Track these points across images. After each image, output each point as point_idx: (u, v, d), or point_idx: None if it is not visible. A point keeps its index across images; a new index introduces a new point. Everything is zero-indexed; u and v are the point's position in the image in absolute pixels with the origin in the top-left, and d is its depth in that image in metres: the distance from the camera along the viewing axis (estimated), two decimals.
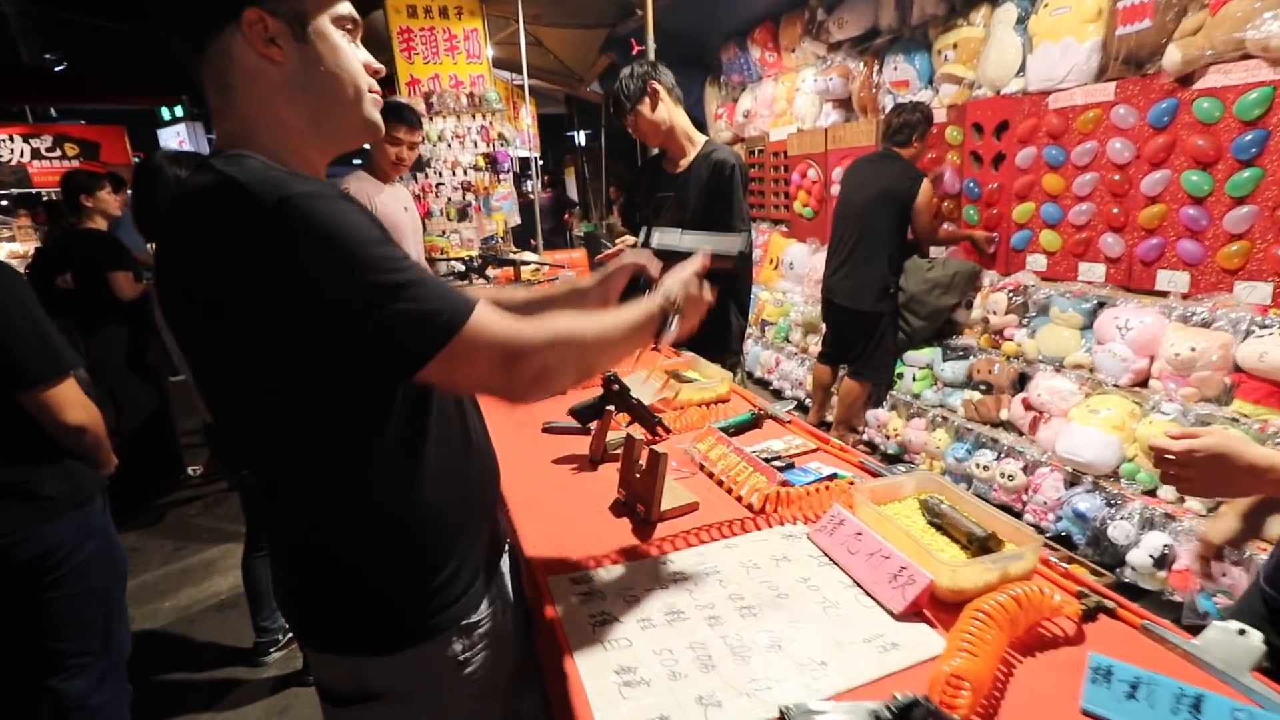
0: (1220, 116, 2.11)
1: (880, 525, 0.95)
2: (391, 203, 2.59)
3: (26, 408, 1.32)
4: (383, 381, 0.73)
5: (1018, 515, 2.54)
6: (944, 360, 3.04)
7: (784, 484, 1.14)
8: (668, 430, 1.46)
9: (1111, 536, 2.13)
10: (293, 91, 0.74)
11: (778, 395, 4.14)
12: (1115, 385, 2.38)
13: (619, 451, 1.35)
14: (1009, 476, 2.55)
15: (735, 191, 2.00)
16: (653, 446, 1.08)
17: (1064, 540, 2.34)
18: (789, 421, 1.51)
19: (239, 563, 2.14)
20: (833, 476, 1.19)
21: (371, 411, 0.74)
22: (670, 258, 1.09)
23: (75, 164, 8.71)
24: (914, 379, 3.15)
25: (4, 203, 8.63)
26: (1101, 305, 2.54)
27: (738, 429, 1.47)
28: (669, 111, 2.06)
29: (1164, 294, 2.39)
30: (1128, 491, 2.19)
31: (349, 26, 0.78)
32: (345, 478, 0.75)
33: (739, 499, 1.15)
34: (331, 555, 0.79)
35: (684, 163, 2.10)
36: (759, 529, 1.06)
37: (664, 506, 1.09)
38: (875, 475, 1.24)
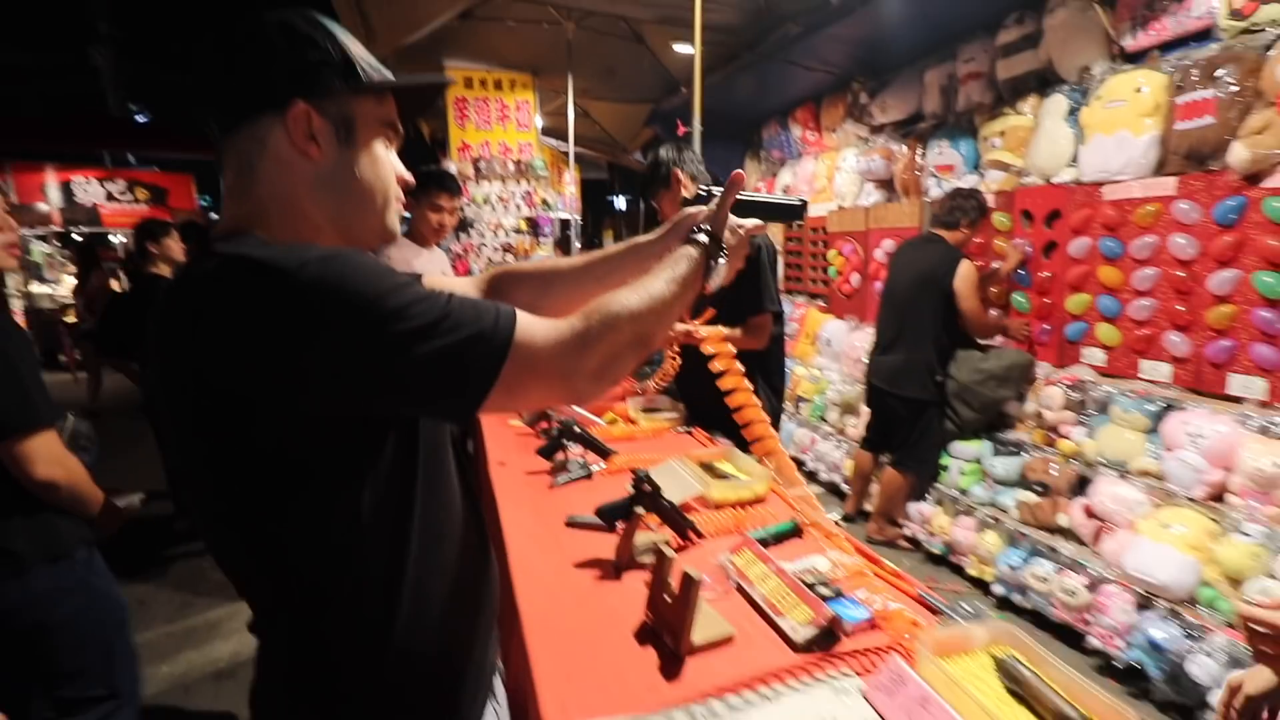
0: None
1: (950, 692, 0.82)
2: (430, 267, 2.62)
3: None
4: (446, 421, 0.73)
5: (1080, 637, 2.31)
6: (994, 455, 2.86)
7: (833, 621, 1.01)
8: (700, 535, 1.35)
9: (1192, 674, 1.90)
10: (321, 188, 0.72)
11: (811, 477, 3.96)
12: (1188, 498, 2.18)
13: (647, 560, 1.24)
14: (1070, 593, 2.33)
15: (763, 273, 2.01)
16: (687, 570, 0.97)
17: (1136, 674, 2.09)
18: (834, 534, 1.39)
19: (244, 625, 2.03)
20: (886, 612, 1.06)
21: (390, 488, 0.70)
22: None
23: (145, 207, 9.24)
24: (961, 473, 2.97)
25: (76, 238, 9.15)
26: (1169, 408, 2.36)
27: (777, 538, 1.35)
28: (693, 197, 2.07)
29: (1238, 400, 2.22)
30: (1209, 621, 1.96)
31: (390, 136, 0.76)
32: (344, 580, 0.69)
33: (780, 632, 1.03)
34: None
35: None
36: (803, 675, 0.93)
37: (696, 640, 0.97)
38: (934, 611, 1.10)
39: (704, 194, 0.96)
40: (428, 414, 0.68)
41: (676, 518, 1.31)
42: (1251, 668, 0.92)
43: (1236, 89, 2.06)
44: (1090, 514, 2.45)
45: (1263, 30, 2.02)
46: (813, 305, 4.54)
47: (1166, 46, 2.36)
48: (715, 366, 1.72)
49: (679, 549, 1.33)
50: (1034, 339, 3.00)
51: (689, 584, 0.96)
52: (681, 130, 2.66)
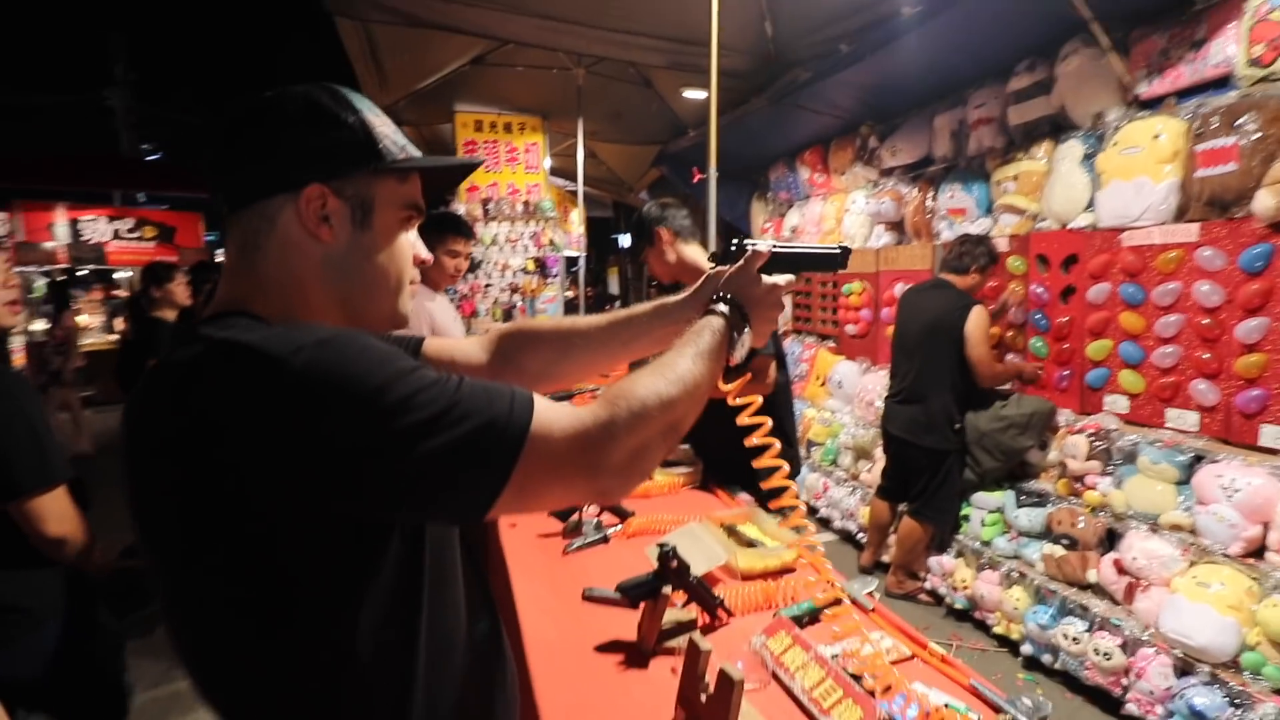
0: None
1: None
2: (444, 310, 2.60)
3: (11, 516, 1.32)
4: (449, 524, 0.65)
5: (1118, 702, 2.19)
6: (1018, 506, 2.77)
7: None
8: (729, 613, 1.27)
9: None
10: (330, 272, 0.67)
11: (825, 524, 3.86)
12: (1225, 554, 2.09)
13: (675, 645, 1.16)
14: (1105, 655, 2.22)
15: None
16: (725, 668, 0.90)
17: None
18: (872, 609, 1.31)
19: None
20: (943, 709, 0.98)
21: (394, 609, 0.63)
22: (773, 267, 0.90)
23: (151, 245, 9.30)
24: (983, 524, 2.88)
25: (82, 273, 9.19)
26: (1199, 459, 2.29)
27: (812, 616, 1.28)
28: (678, 252, 2.10)
29: (1273, 451, 2.14)
30: (1255, 689, 1.86)
31: (412, 216, 0.72)
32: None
33: None
34: None
35: None
36: None
37: None
38: (989, 704, 1.02)
39: (733, 248, 0.90)
40: (430, 518, 0.62)
41: (705, 595, 1.23)
42: None
43: (1259, 136, 2.04)
44: (1121, 569, 2.36)
45: None
46: (822, 346, 4.50)
47: (1183, 94, 2.36)
48: (744, 420, 1.67)
49: (706, 627, 1.25)
50: (1052, 384, 2.95)
51: (727, 683, 0.88)
52: (697, 176, 2.65)
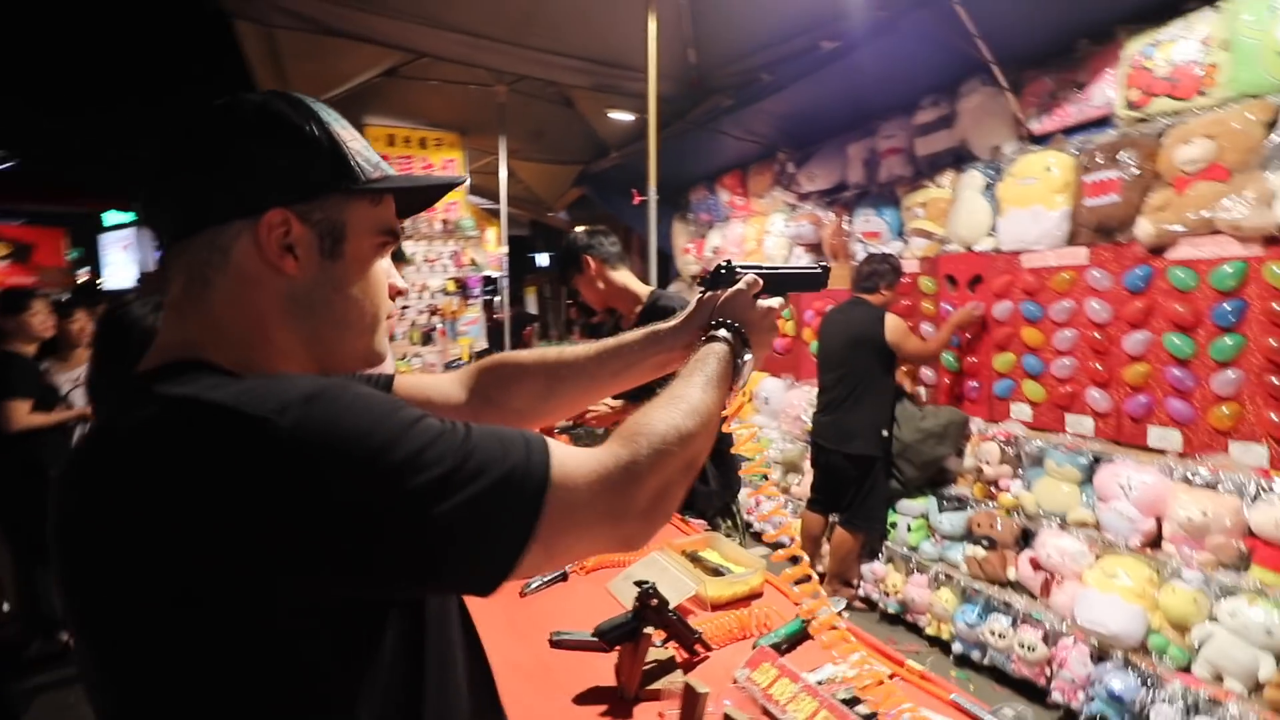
0: (1196, 285, 2.21)
1: None
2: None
3: None
4: (465, 594, 0.57)
5: (1044, 692, 2.34)
6: (940, 511, 2.93)
7: None
8: (707, 647, 1.24)
9: None
10: (295, 308, 0.59)
11: (758, 538, 3.92)
12: (1127, 547, 2.30)
13: (658, 687, 1.11)
14: (1029, 647, 2.37)
15: None
16: (730, 714, 0.86)
17: None
18: (844, 627, 1.32)
19: None
20: None
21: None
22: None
23: (4, 265, 8.19)
24: (909, 529, 3.02)
25: None
26: (1098, 460, 2.51)
27: (789, 644, 1.26)
28: (607, 279, 2.11)
29: (1161, 451, 2.39)
30: (1162, 670, 2.04)
31: (388, 243, 0.64)
32: None
33: None
34: None
35: (634, 320, 2.12)
36: None
37: None
38: (970, 715, 1.04)
39: (723, 271, 0.88)
40: (445, 590, 0.54)
41: (685, 631, 1.19)
42: None
43: (1138, 171, 2.29)
44: (1037, 566, 2.54)
45: (1155, 120, 2.26)
46: None
47: (1070, 130, 2.61)
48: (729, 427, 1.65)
49: (685, 664, 1.21)
50: (964, 395, 3.15)
51: None
52: (638, 199, 2.65)
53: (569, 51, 3.38)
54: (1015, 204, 2.77)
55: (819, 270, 0.93)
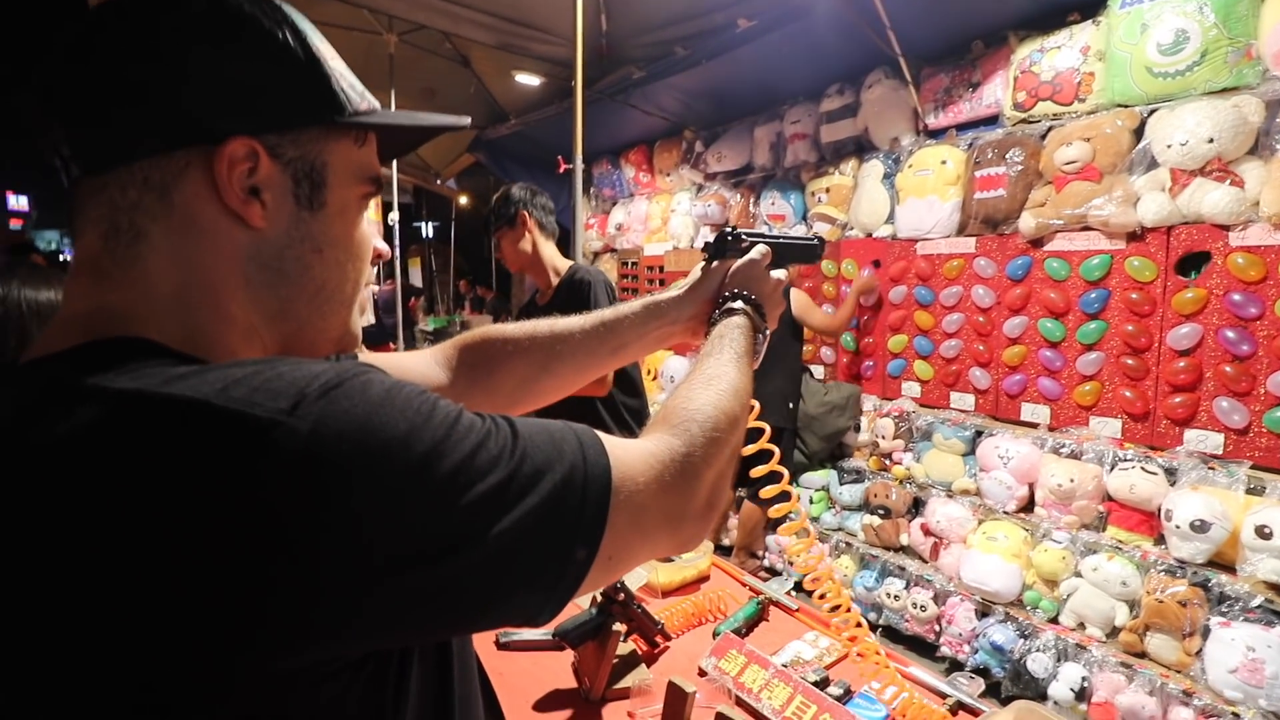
0: (1068, 275, 2.46)
1: None
2: None
3: None
4: (519, 626, 0.44)
5: (934, 647, 2.54)
6: (840, 483, 3.09)
7: None
8: (667, 637, 1.19)
9: (1031, 670, 2.18)
10: (260, 273, 0.45)
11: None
12: (1005, 512, 2.53)
13: (628, 685, 1.04)
14: (921, 607, 2.56)
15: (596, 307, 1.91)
16: (723, 710, 0.81)
17: (982, 673, 2.35)
18: (797, 609, 1.32)
19: None
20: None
21: None
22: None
23: None
24: (811, 501, 3.16)
25: None
26: (979, 433, 2.75)
27: (748, 627, 1.24)
28: (535, 244, 2.03)
29: (1033, 424, 2.65)
30: (1036, 621, 2.28)
31: (371, 194, 0.51)
32: None
33: None
34: None
35: (550, 295, 2.07)
36: None
37: None
38: (927, 687, 1.07)
39: (729, 238, 0.81)
40: (494, 623, 0.44)
41: (648, 623, 1.13)
42: None
43: (1022, 168, 2.49)
44: (927, 532, 2.74)
45: (1039, 121, 2.46)
46: None
47: (962, 127, 2.79)
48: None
49: (646, 657, 1.15)
50: (860, 373, 3.34)
51: None
52: (563, 167, 2.50)
53: (473, 4, 3.12)
54: (912, 194, 2.93)
55: (815, 242, 0.88)
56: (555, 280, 2.07)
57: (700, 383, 0.58)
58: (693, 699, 0.86)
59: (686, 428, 0.51)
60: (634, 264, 4.69)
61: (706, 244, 0.80)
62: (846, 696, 1.01)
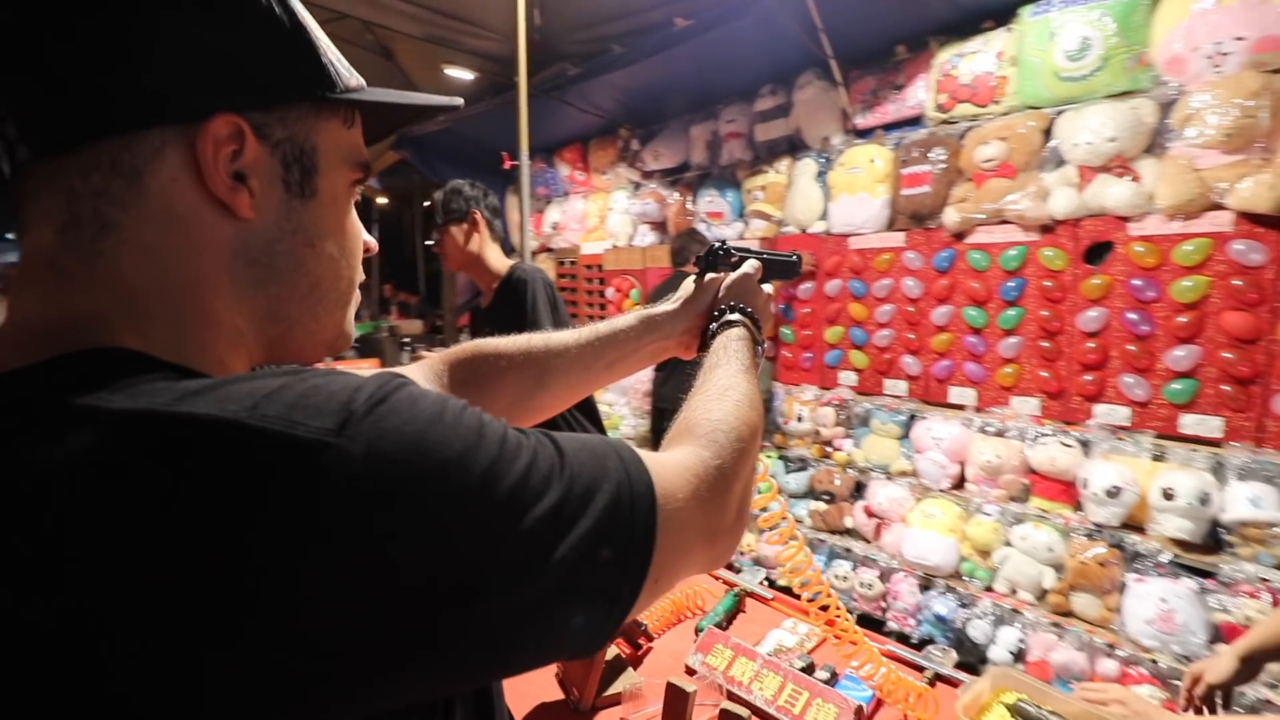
0: (988, 266, 2.63)
1: None
2: None
3: None
4: (565, 659, 0.45)
5: (881, 622, 2.67)
6: (786, 472, 3.18)
7: (859, 712, 0.96)
8: (650, 637, 1.19)
9: (972, 636, 2.32)
10: (248, 269, 0.41)
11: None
12: (940, 490, 2.69)
13: (619, 691, 1.04)
14: (868, 585, 2.68)
15: (537, 308, 1.91)
16: (727, 707, 0.82)
17: (928, 643, 2.48)
18: (772, 598, 1.35)
19: None
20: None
21: None
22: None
23: None
24: (758, 491, 3.23)
25: None
26: (913, 417, 2.90)
27: (728, 620, 1.26)
28: (481, 244, 1.99)
29: (960, 407, 2.82)
30: (974, 590, 2.43)
31: (360, 178, 0.48)
32: None
33: None
34: None
35: (491, 296, 2.05)
36: None
37: None
38: (913, 666, 1.13)
39: (720, 251, 0.82)
40: (550, 657, 0.42)
41: (632, 624, 1.13)
42: (1211, 659, 1.11)
43: (944, 166, 2.64)
44: (870, 513, 2.87)
45: (959, 122, 2.62)
46: None
47: (889, 127, 2.93)
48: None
49: (631, 659, 1.15)
50: (798, 365, 3.45)
51: None
52: (508, 163, 2.43)
53: None
54: (844, 191, 3.05)
55: (795, 259, 0.91)
56: (496, 283, 2.03)
57: (716, 394, 0.59)
58: (694, 698, 0.87)
59: (714, 438, 0.51)
60: (572, 263, 4.65)
61: (698, 258, 0.81)
62: (833, 680, 1.05)
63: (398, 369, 0.78)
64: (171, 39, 0.36)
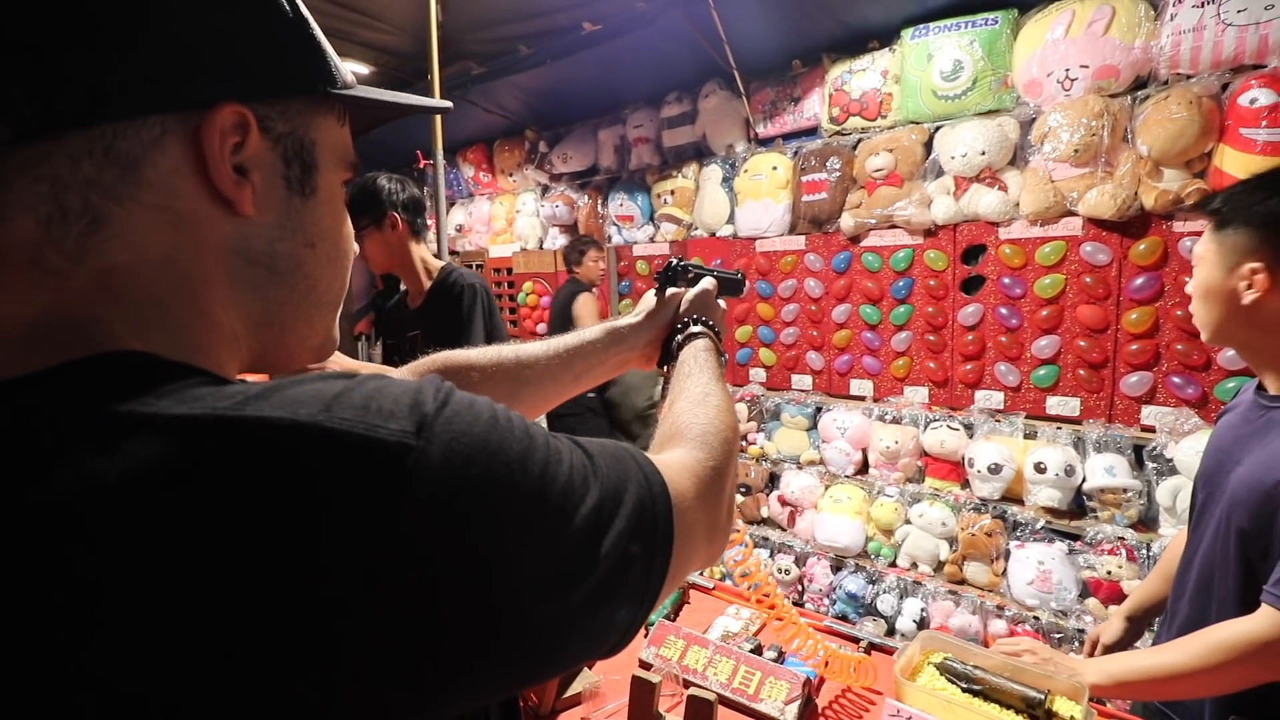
0: (881, 267, 2.85)
1: (949, 713, 0.91)
2: None
3: None
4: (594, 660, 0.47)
5: (798, 604, 2.81)
6: None
7: (808, 684, 1.02)
8: None
9: (880, 610, 2.50)
10: (247, 270, 0.40)
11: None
12: (846, 476, 2.88)
13: (578, 691, 1.04)
14: (785, 571, 2.82)
15: (474, 316, 1.89)
16: (695, 694, 0.85)
17: (841, 619, 2.65)
18: (712, 588, 1.40)
19: None
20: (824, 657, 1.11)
21: None
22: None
23: None
24: None
25: None
26: (819, 409, 3.08)
27: (674, 611, 1.29)
28: (403, 244, 1.91)
29: (860, 398, 3.03)
30: (880, 567, 2.62)
31: (350, 178, 0.47)
32: None
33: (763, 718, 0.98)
34: None
35: (422, 298, 1.98)
36: None
37: None
38: (840, 635, 1.21)
39: (678, 267, 0.86)
40: (588, 654, 0.41)
41: None
42: (1103, 623, 1.25)
43: (839, 174, 2.83)
44: (783, 502, 3.02)
45: (851, 134, 2.82)
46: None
47: (788, 136, 3.10)
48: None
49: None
50: None
51: (703, 708, 0.84)
52: (422, 162, 2.33)
53: None
54: (750, 196, 3.19)
55: (740, 277, 0.96)
56: (428, 282, 1.95)
57: (697, 400, 0.61)
58: (659, 689, 0.89)
59: (706, 440, 0.53)
60: (479, 266, 4.54)
61: (657, 274, 0.85)
62: (781, 658, 1.10)
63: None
64: (176, 20, 0.33)
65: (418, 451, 0.30)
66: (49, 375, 0.30)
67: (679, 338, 0.76)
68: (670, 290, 0.84)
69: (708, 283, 0.84)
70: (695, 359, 0.71)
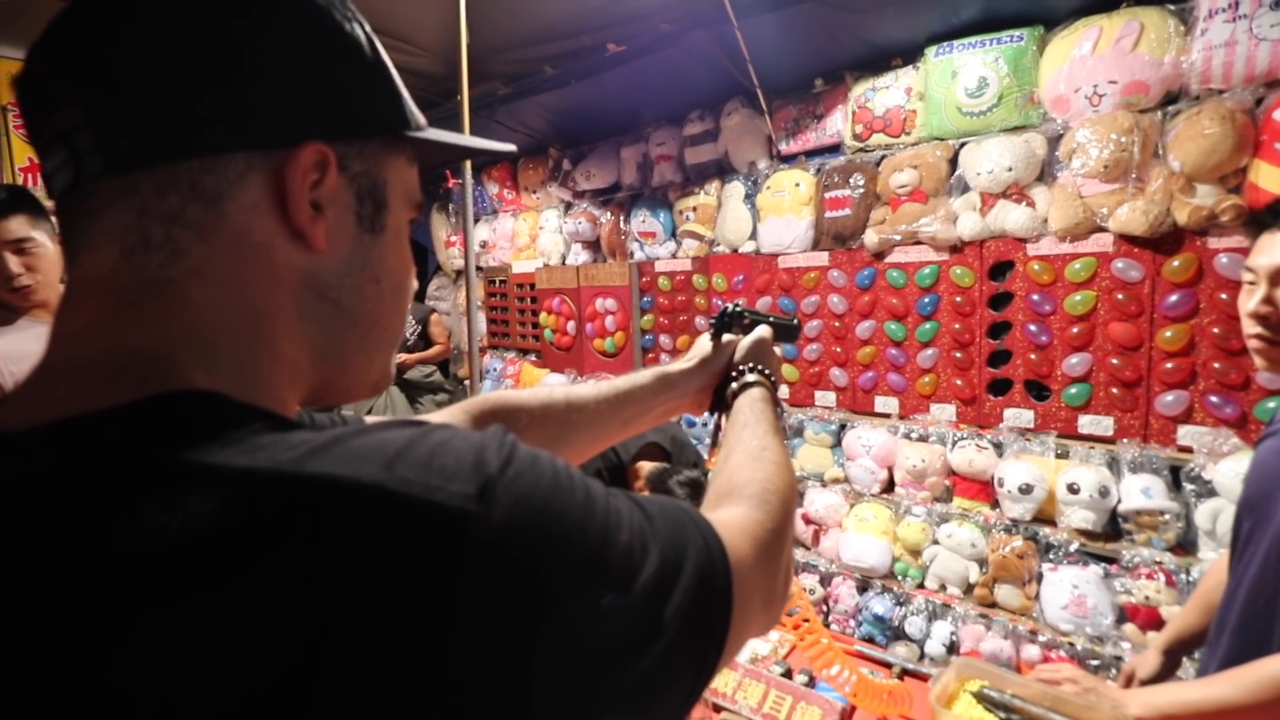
0: (906, 283, 2.82)
1: None
2: (25, 345, 1.70)
3: None
4: None
5: (825, 627, 2.77)
6: None
7: (844, 714, 1.00)
8: None
9: (908, 633, 2.46)
10: (316, 304, 0.41)
11: None
12: (871, 495, 2.84)
13: None
14: (810, 591, 2.78)
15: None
16: (724, 714, 0.84)
17: (868, 642, 2.60)
18: None
19: None
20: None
21: None
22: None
23: None
24: None
25: None
26: (843, 426, 3.05)
27: None
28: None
29: (885, 415, 3.00)
30: (908, 589, 2.58)
31: (416, 219, 0.49)
32: None
33: None
34: None
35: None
36: None
37: None
38: (880, 664, 1.19)
39: (733, 313, 0.85)
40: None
41: None
42: (1139, 656, 1.22)
43: (863, 191, 2.82)
44: (807, 520, 2.99)
45: (875, 151, 2.82)
46: (525, 360, 4.53)
47: (811, 153, 3.11)
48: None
49: None
50: None
51: None
52: (451, 182, 2.39)
53: None
54: (772, 213, 3.20)
55: (795, 323, 0.96)
56: None
57: (753, 455, 0.60)
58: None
59: (765, 499, 0.52)
60: (502, 281, 4.60)
61: (712, 320, 0.85)
62: (812, 682, 1.09)
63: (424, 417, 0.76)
64: (267, 61, 0.35)
65: (478, 518, 0.30)
66: (118, 415, 0.31)
67: (734, 385, 0.75)
68: (726, 336, 0.83)
69: (763, 330, 0.83)
70: (751, 409, 0.70)
